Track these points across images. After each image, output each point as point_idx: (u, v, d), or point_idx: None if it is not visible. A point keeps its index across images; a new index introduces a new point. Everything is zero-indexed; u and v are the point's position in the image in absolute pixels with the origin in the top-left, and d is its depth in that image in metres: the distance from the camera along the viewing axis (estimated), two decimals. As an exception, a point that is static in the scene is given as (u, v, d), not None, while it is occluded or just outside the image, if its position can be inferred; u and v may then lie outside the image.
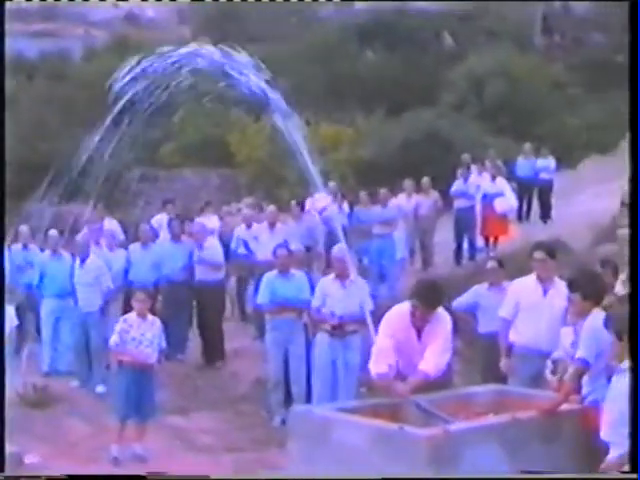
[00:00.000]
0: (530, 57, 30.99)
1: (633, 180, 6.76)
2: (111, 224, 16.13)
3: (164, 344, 10.64)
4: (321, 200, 16.51)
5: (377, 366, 7.84)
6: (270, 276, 12.11)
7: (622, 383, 5.93)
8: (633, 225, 6.68)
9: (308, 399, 11.57)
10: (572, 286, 7.44)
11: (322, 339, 11.35)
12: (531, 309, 9.21)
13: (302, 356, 11.86)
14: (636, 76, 6.88)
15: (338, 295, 11.24)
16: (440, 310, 8.13)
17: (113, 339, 10.37)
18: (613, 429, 5.97)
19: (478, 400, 7.61)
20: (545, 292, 9.23)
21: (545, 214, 21.00)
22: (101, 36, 41.75)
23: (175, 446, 10.84)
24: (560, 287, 8.97)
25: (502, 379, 9.26)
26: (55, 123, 27.54)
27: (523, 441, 6.56)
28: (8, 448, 9.72)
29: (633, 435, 5.70)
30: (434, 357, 7.87)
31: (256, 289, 13.00)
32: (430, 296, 8.05)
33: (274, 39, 34.21)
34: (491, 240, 19.22)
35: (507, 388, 7.97)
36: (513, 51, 30.61)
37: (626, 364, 5.96)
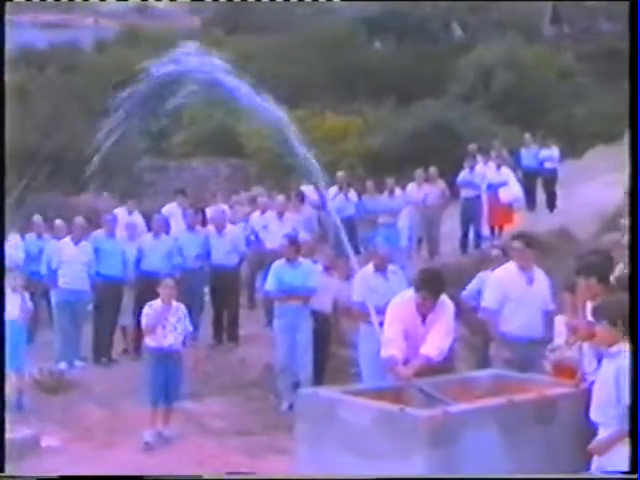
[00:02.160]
0: (538, 47, 31.07)
1: (633, 177, 6.92)
2: (135, 216, 16.33)
3: (190, 328, 10.98)
4: (310, 192, 16.70)
5: (387, 350, 8.05)
6: (278, 264, 12.39)
7: (611, 366, 6.18)
8: (633, 225, 6.85)
9: (315, 385, 11.78)
10: (586, 270, 7.28)
11: (369, 330, 10.58)
12: (518, 299, 9.23)
13: (308, 343, 12.09)
14: (636, 75, 7.04)
15: (383, 289, 10.94)
16: (443, 297, 8.41)
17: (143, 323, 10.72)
18: (601, 410, 6.21)
19: (478, 384, 7.81)
20: (530, 281, 9.31)
21: (550, 203, 21.17)
22: (111, 27, 41.98)
23: (188, 430, 11.10)
24: (541, 275, 9.33)
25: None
26: (67, 114, 27.79)
27: (520, 423, 6.79)
28: (25, 431, 10.08)
29: (633, 435, 5.93)
30: (436, 341, 8.13)
31: (265, 277, 13.26)
32: (434, 284, 8.32)
33: (283, 30, 34.39)
34: (496, 229, 19.48)
35: (505, 373, 8.19)
36: (521, 41, 30.70)
37: (616, 348, 6.21)
